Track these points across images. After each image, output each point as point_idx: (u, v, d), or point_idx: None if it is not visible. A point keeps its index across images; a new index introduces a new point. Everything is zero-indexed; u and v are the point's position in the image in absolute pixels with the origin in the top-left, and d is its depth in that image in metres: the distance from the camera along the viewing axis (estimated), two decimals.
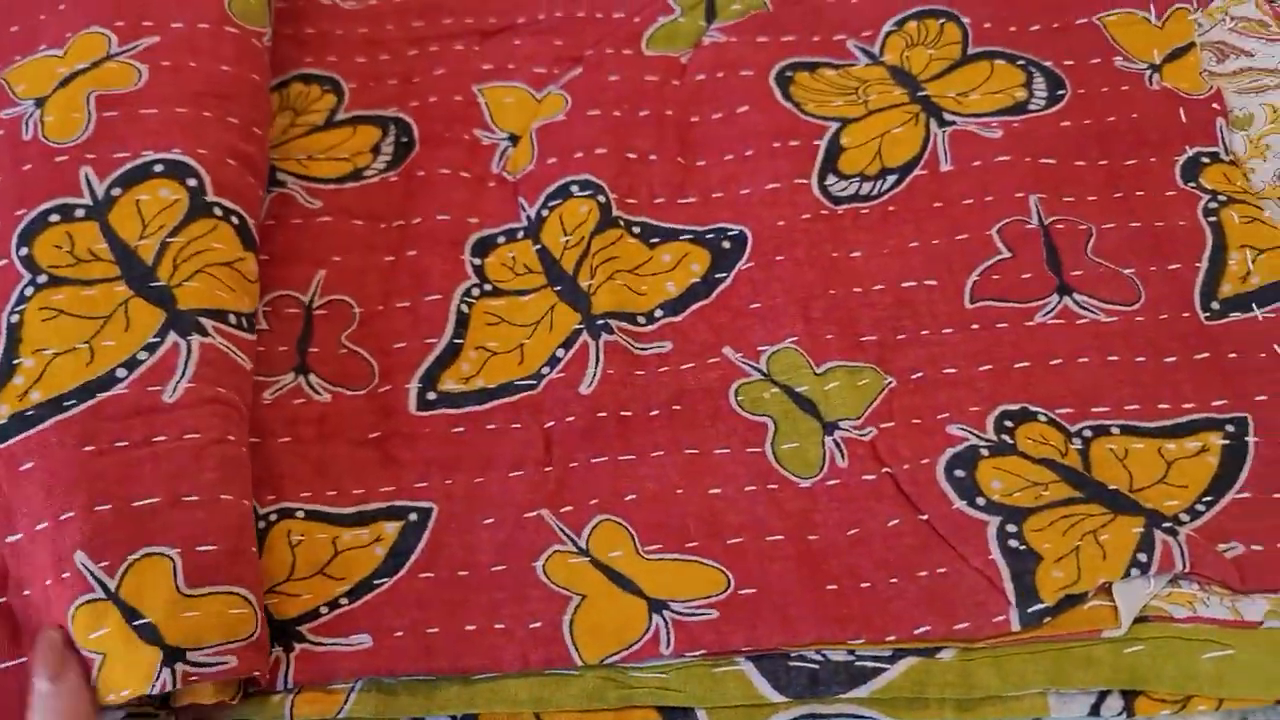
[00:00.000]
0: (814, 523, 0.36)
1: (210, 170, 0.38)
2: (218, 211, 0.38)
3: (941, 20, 0.47)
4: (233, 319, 0.37)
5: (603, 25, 0.46)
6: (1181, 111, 0.45)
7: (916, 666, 0.34)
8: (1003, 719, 0.34)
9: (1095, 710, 0.34)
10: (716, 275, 0.42)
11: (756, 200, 0.43)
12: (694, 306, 0.41)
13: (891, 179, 0.44)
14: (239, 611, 0.32)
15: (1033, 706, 0.34)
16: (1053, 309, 0.40)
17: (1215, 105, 0.45)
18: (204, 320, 0.36)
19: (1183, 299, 0.40)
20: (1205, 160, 0.43)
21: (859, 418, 0.39)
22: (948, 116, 0.45)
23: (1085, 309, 0.40)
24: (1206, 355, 0.39)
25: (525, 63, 0.46)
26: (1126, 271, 0.41)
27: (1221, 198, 0.42)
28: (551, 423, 0.39)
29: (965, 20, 0.47)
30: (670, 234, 0.43)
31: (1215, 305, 0.40)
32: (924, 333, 0.40)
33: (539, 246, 0.42)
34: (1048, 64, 0.46)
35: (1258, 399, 0.38)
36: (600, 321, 0.40)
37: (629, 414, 0.39)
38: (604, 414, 0.39)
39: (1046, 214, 0.42)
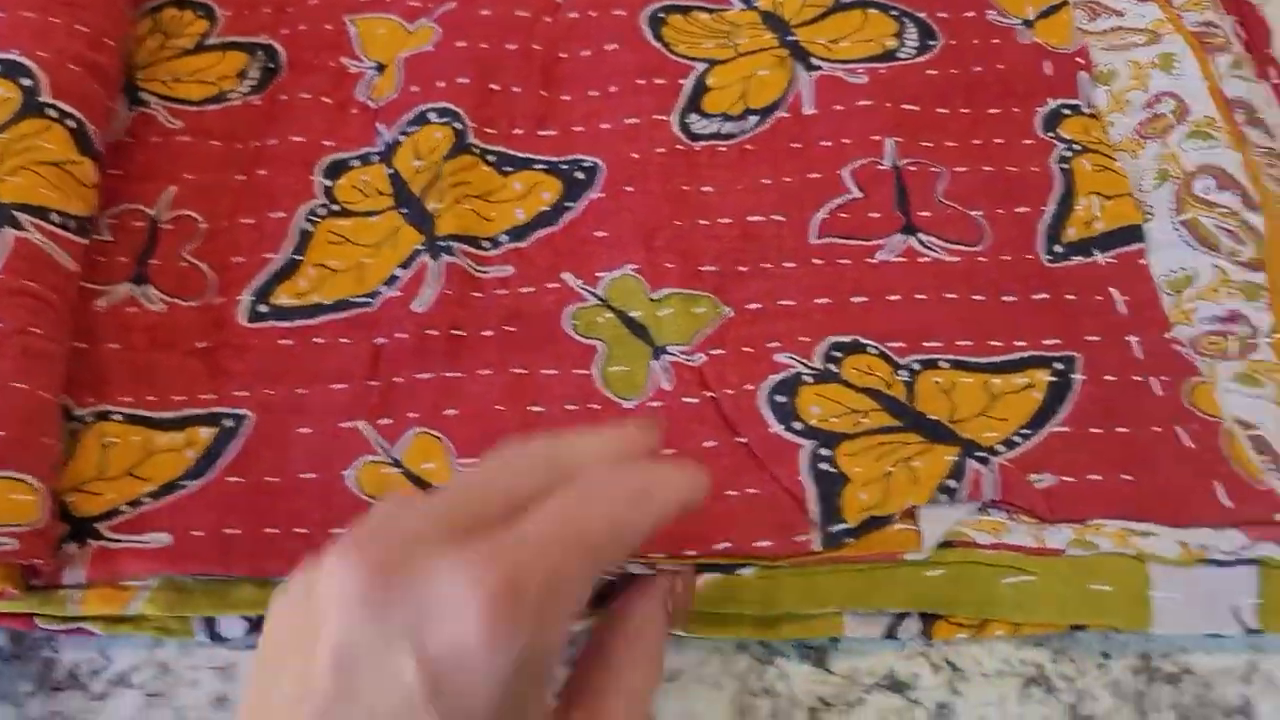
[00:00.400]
0: None
1: (49, 72, 0.38)
2: (52, 113, 0.38)
3: None
4: (56, 218, 0.36)
5: None
6: (1047, 64, 0.45)
7: (717, 582, 0.33)
8: (800, 638, 0.33)
9: (891, 633, 0.33)
10: (566, 204, 0.41)
11: (615, 134, 0.43)
12: (540, 233, 0.41)
13: (754, 119, 0.43)
14: (21, 498, 0.32)
15: (829, 626, 0.33)
16: (897, 248, 0.40)
17: (1080, 60, 0.44)
18: (21, 215, 0.36)
19: (1026, 241, 0.40)
20: (1066, 112, 0.43)
21: (689, 344, 0.38)
22: (815, 61, 0.44)
23: (929, 249, 0.40)
24: (1045, 296, 0.39)
25: None
26: (974, 213, 0.41)
27: (1077, 147, 0.42)
28: (382, 340, 0.38)
29: None
30: (524, 163, 0.42)
31: (1058, 248, 0.40)
32: (765, 266, 0.40)
33: (391, 171, 0.42)
34: (921, 15, 0.46)
35: (1089, 339, 0.38)
36: (442, 243, 0.40)
37: (461, 333, 0.39)
38: (435, 331, 0.38)
39: (901, 156, 0.42)
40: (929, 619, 0.33)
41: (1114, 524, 0.34)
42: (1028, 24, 0.46)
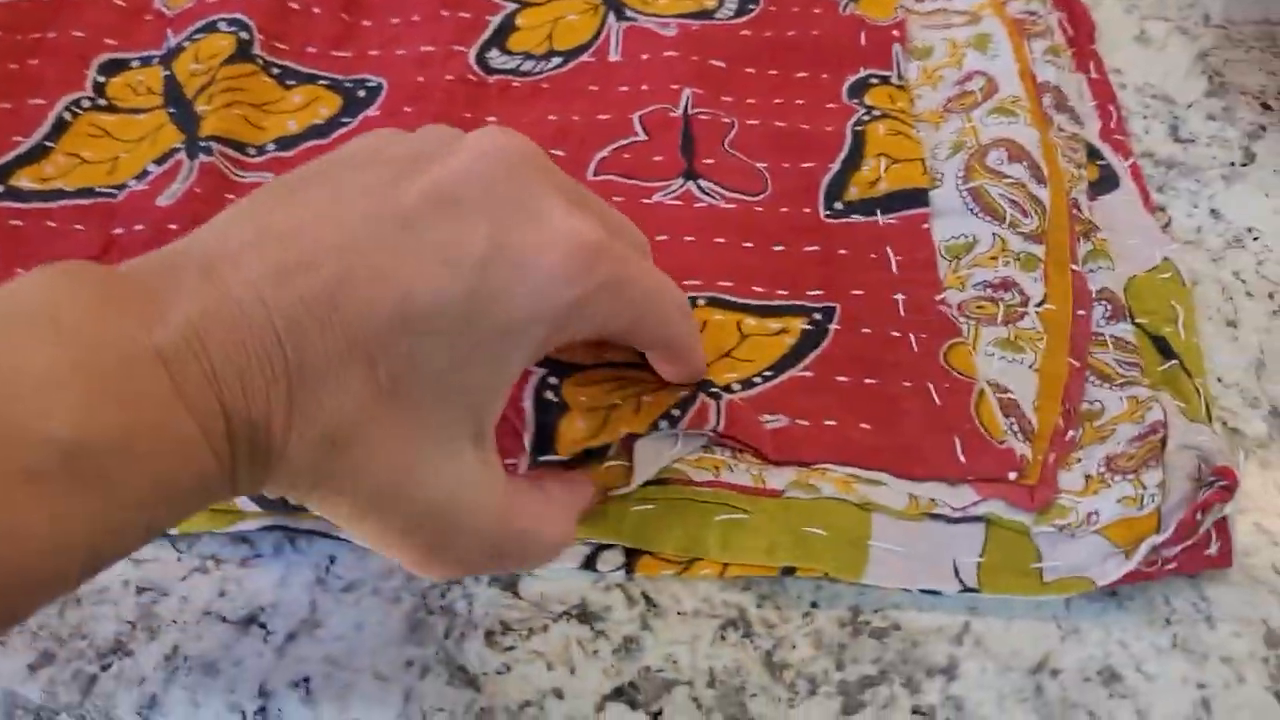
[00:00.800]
0: None
1: None
2: None
3: None
4: None
5: None
6: (862, 35, 0.44)
7: None
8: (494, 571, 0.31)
9: (590, 564, 0.31)
10: (341, 120, 0.40)
11: (406, 59, 0.41)
12: (307, 144, 0.39)
13: (557, 60, 0.42)
14: None
15: None
16: (675, 191, 0.38)
17: (896, 32, 0.43)
18: None
19: (808, 196, 0.39)
20: (875, 81, 0.42)
21: None
22: (629, 13, 0.43)
23: (707, 194, 0.38)
24: (816, 249, 0.37)
25: None
26: (759, 165, 0.39)
27: (876, 112, 0.41)
28: (120, 230, 0.36)
29: None
30: (308, 78, 0.41)
31: (838, 205, 0.38)
32: None
33: (168, 73, 0.40)
34: None
35: (853, 293, 0.36)
36: (203, 143, 0.38)
37: None
38: (175, 226, 0.36)
39: (695, 106, 0.40)
40: (634, 554, 0.31)
41: (840, 470, 0.32)
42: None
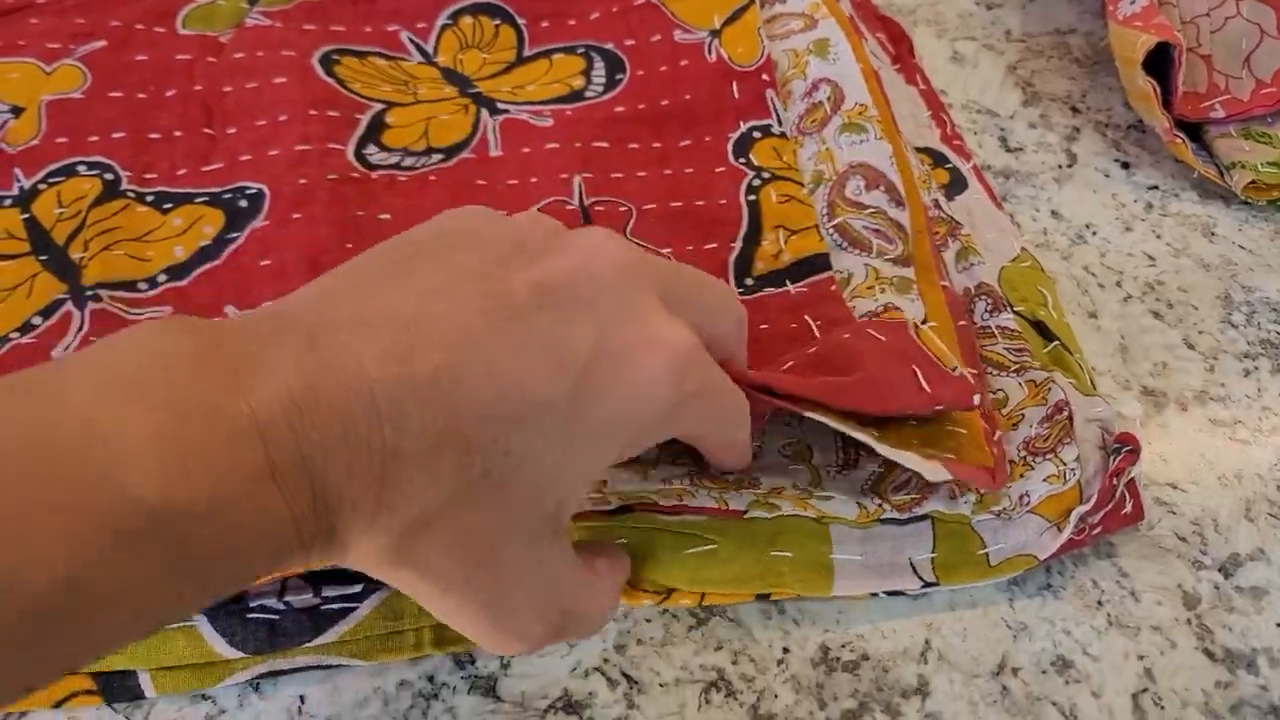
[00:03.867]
0: None
1: None
2: None
3: (497, 22, 0.44)
4: None
5: (131, 5, 0.42)
6: (734, 86, 0.42)
7: (389, 599, 0.29)
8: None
9: None
10: (229, 236, 0.37)
11: (283, 160, 0.39)
12: (202, 269, 0.36)
13: (438, 156, 0.40)
14: None
15: None
16: None
17: (765, 76, 0.42)
18: None
19: (719, 276, 0.37)
20: (757, 135, 0.41)
21: None
22: (500, 106, 0.42)
23: None
24: None
25: (38, 39, 0.41)
26: (665, 252, 0.38)
27: (766, 174, 0.40)
28: None
29: (521, 21, 0.45)
30: (185, 198, 0.38)
31: (749, 281, 0.37)
32: None
33: (27, 215, 0.37)
34: (609, 45, 0.44)
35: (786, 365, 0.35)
36: (90, 292, 0.35)
37: None
38: None
39: (590, 194, 0.39)
40: None
41: (792, 489, 0.32)
42: (715, 34, 0.44)
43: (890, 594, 0.31)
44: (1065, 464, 0.32)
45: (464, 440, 0.22)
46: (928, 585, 0.31)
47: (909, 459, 0.30)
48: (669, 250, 0.38)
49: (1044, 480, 0.32)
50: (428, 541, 0.22)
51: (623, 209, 0.39)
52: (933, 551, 0.32)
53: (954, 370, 0.32)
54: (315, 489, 0.21)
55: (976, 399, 0.31)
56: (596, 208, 0.39)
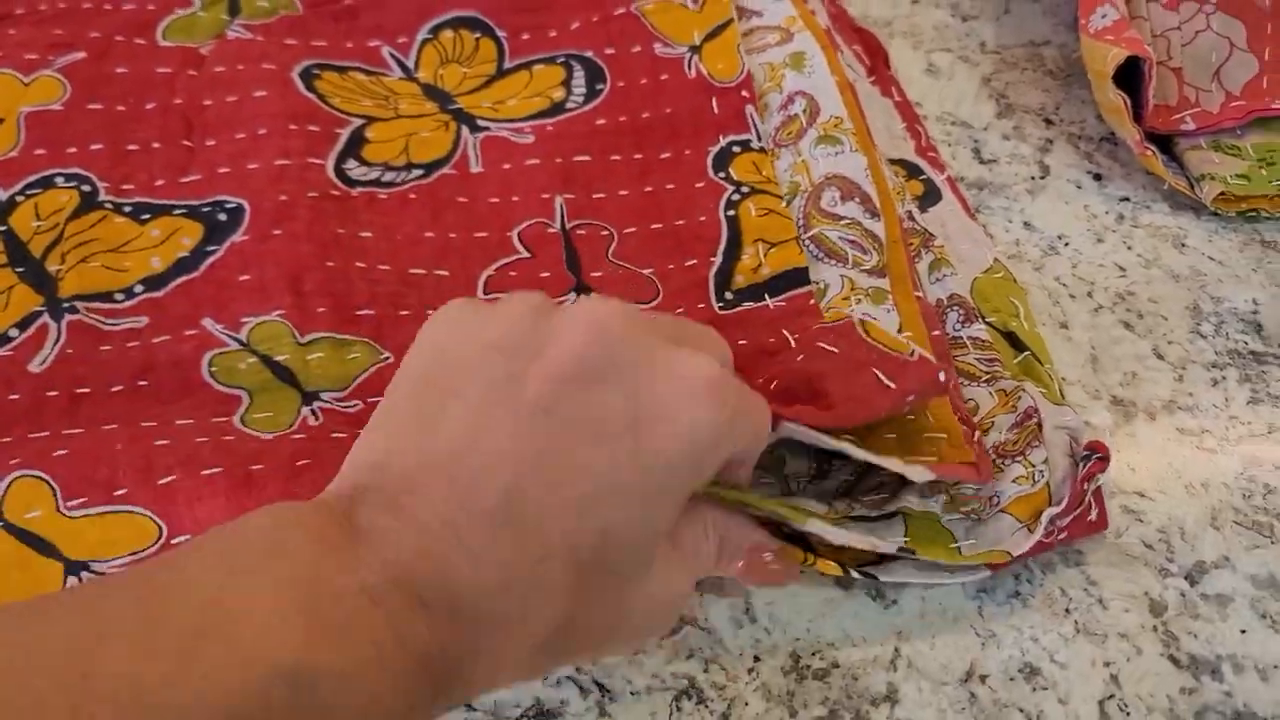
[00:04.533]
0: (257, 454, 0.32)
1: None
2: None
3: (477, 35, 0.44)
4: None
5: (111, 16, 0.42)
6: (714, 102, 0.42)
7: None
8: None
9: None
10: (207, 249, 0.37)
11: (262, 174, 0.39)
12: (179, 280, 0.36)
13: (418, 172, 0.40)
14: None
15: None
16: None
17: (744, 93, 0.42)
18: None
19: (699, 292, 0.37)
20: (737, 150, 0.41)
21: (345, 390, 0.34)
22: (481, 123, 0.42)
23: None
24: None
25: (16, 50, 0.41)
26: (646, 272, 0.38)
27: (745, 189, 0.40)
28: None
29: (501, 34, 0.45)
30: (163, 209, 0.38)
31: (729, 295, 0.37)
32: (429, 311, 0.36)
33: (4, 228, 0.37)
34: (589, 54, 0.44)
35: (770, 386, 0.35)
36: (66, 304, 0.35)
37: (86, 390, 0.34)
38: (55, 392, 0.33)
39: (571, 216, 0.39)
40: None
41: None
42: (695, 49, 0.43)
43: (864, 594, 0.31)
44: (1034, 465, 0.32)
45: (564, 547, 0.24)
46: (904, 550, 0.31)
47: (891, 462, 0.30)
48: (650, 270, 0.38)
49: (1013, 481, 0.32)
50: (562, 642, 0.25)
51: (604, 233, 0.39)
52: (905, 537, 0.31)
53: (911, 354, 0.32)
54: (441, 643, 0.22)
55: (942, 375, 0.31)
56: (578, 231, 0.39)
